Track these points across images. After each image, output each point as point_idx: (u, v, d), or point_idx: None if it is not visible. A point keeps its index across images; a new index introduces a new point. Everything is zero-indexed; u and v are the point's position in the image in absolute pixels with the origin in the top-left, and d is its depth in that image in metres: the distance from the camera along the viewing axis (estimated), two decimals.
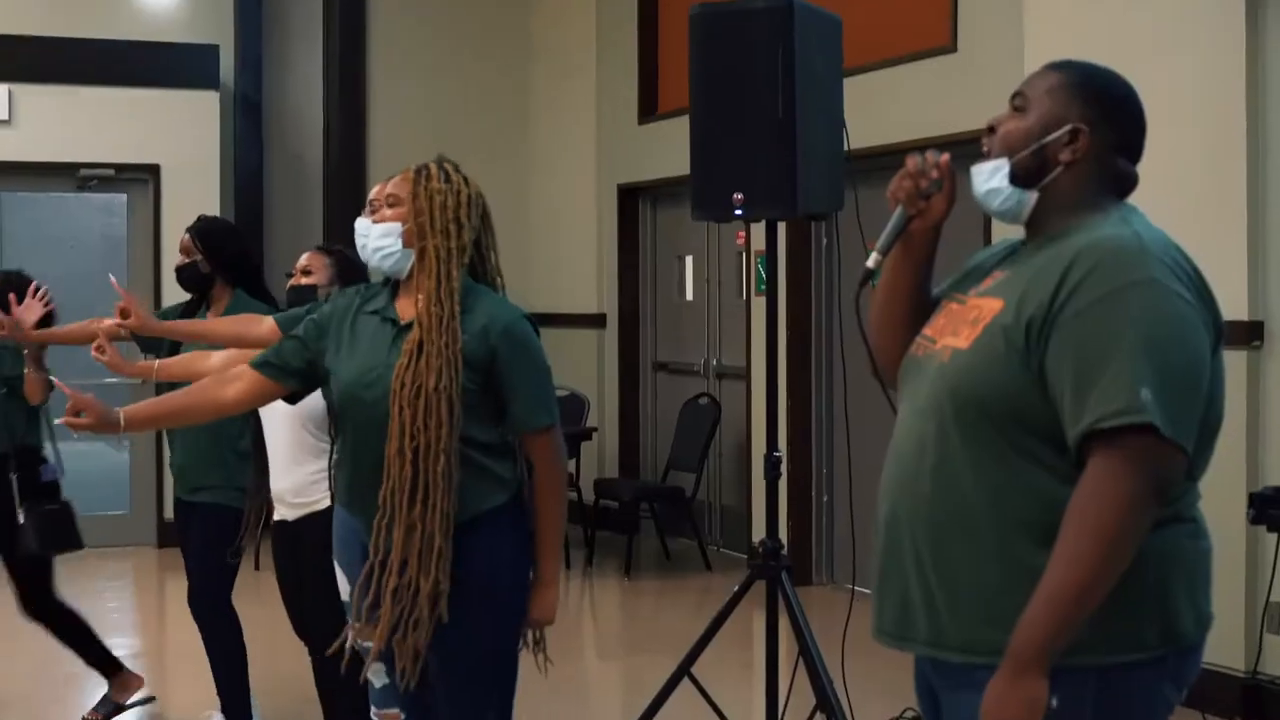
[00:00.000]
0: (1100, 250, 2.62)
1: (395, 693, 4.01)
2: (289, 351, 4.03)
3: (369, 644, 3.96)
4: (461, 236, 3.84)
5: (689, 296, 11.09)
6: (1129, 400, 2.50)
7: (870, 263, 2.94)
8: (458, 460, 3.76)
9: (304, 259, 5.28)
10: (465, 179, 3.93)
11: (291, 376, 4.02)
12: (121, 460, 11.08)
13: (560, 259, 12.07)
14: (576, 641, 8.83)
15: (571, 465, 10.71)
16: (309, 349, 4.00)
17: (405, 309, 3.91)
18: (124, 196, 11.16)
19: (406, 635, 3.80)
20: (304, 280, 5.20)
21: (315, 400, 4.55)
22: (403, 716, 4.06)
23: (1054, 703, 2.56)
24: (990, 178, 2.80)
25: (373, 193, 4.60)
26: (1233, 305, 6.35)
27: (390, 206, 3.94)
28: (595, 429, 11.02)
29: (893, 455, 2.84)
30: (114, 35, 11.03)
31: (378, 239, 3.94)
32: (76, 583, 9.84)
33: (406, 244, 3.88)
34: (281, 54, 11.96)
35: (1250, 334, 6.32)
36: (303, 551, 5.06)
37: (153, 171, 10.95)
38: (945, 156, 2.93)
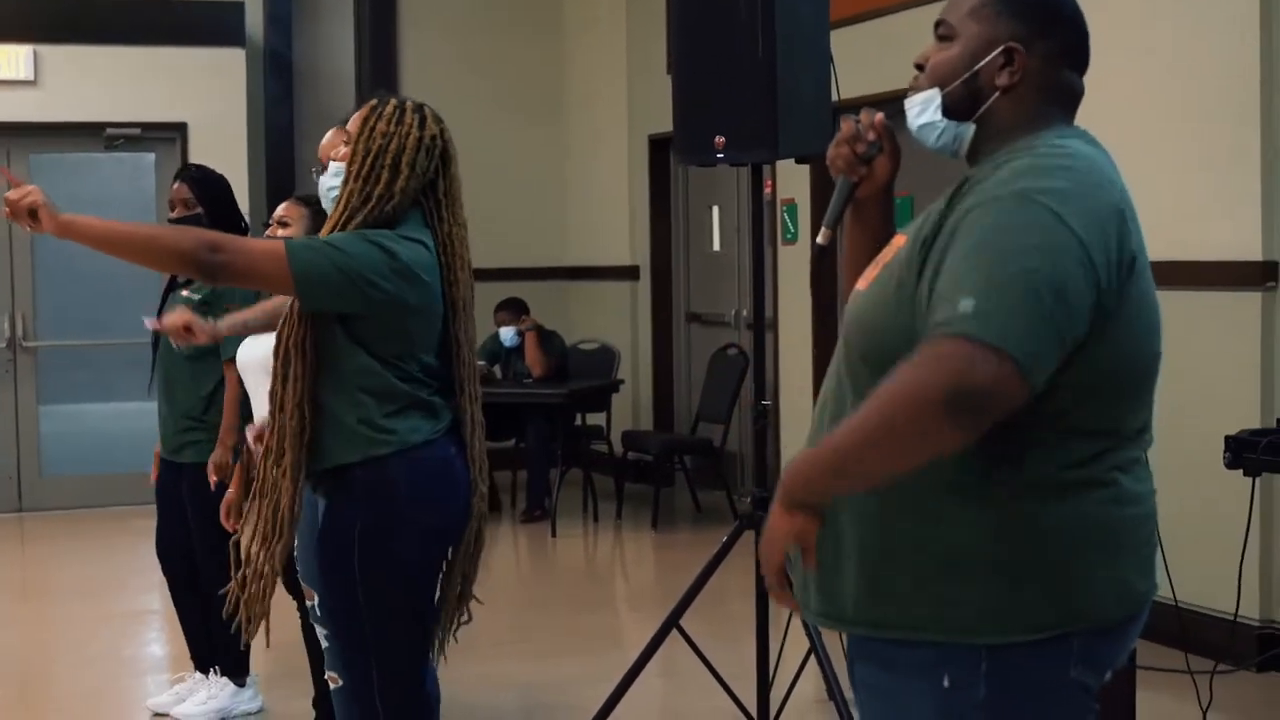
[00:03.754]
0: (990, 173, 2.41)
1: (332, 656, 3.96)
2: None
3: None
4: (395, 183, 3.68)
5: (717, 247, 10.99)
6: (949, 313, 2.26)
7: (821, 239, 2.72)
8: (311, 414, 3.70)
9: (281, 208, 5.15)
10: (421, 120, 3.74)
11: None
12: (154, 418, 11.09)
13: (593, 212, 12.01)
14: (606, 594, 8.79)
15: (601, 418, 10.67)
16: None
17: None
18: (152, 155, 11.15)
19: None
20: (280, 232, 5.08)
21: None
22: (340, 680, 3.98)
23: (945, 682, 2.39)
24: (922, 111, 2.56)
25: (321, 147, 4.55)
26: (1246, 246, 6.23)
27: (346, 144, 3.82)
28: (623, 381, 10.93)
29: (815, 412, 2.64)
30: None
31: (330, 179, 3.87)
32: (109, 540, 9.94)
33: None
34: (312, 10, 11.91)
35: (1264, 275, 6.18)
36: None
37: (180, 130, 10.94)
38: (879, 116, 2.70)
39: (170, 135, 10.99)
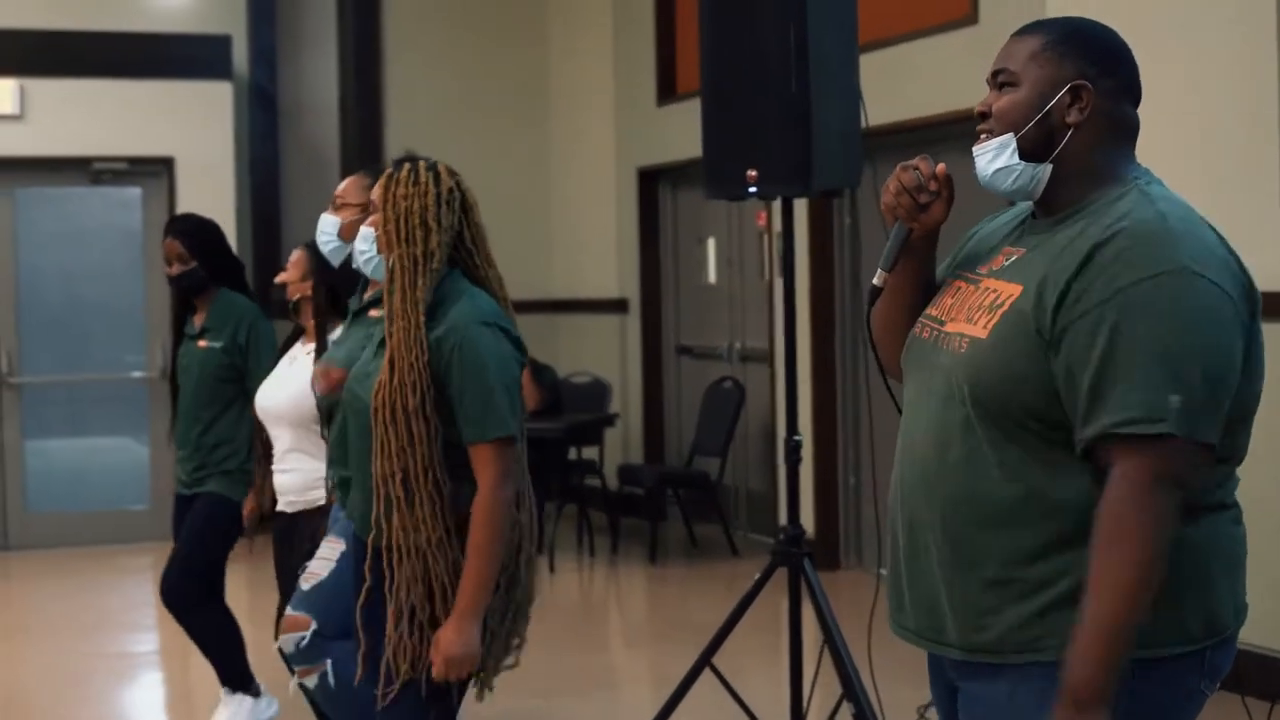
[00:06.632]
0: (1125, 234, 2.49)
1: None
2: None
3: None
4: (429, 240, 3.72)
5: (711, 279, 10.96)
6: (1154, 407, 2.40)
7: (877, 280, 2.82)
8: (445, 473, 3.68)
9: (293, 254, 5.31)
10: (436, 176, 3.78)
11: None
12: (142, 455, 11.01)
13: (580, 244, 11.96)
14: (603, 630, 8.73)
15: (594, 451, 10.62)
16: None
17: None
18: (138, 190, 11.05)
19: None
20: (280, 277, 5.27)
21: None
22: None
23: None
24: (996, 157, 2.64)
25: (340, 188, 4.63)
26: (1270, 275, 6.19)
27: (374, 215, 3.89)
28: (618, 415, 10.90)
29: (907, 449, 2.71)
30: (124, 27, 10.93)
31: (360, 243, 3.98)
32: (97, 579, 9.82)
33: (380, 250, 3.82)
34: (295, 43, 11.86)
35: None
36: (296, 542, 5.07)
37: (167, 164, 10.84)
38: (941, 166, 2.78)
39: (157, 170, 10.90)
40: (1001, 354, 2.54)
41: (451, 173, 3.83)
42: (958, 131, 7.65)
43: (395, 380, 3.65)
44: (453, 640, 3.62)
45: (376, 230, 3.82)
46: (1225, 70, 6.37)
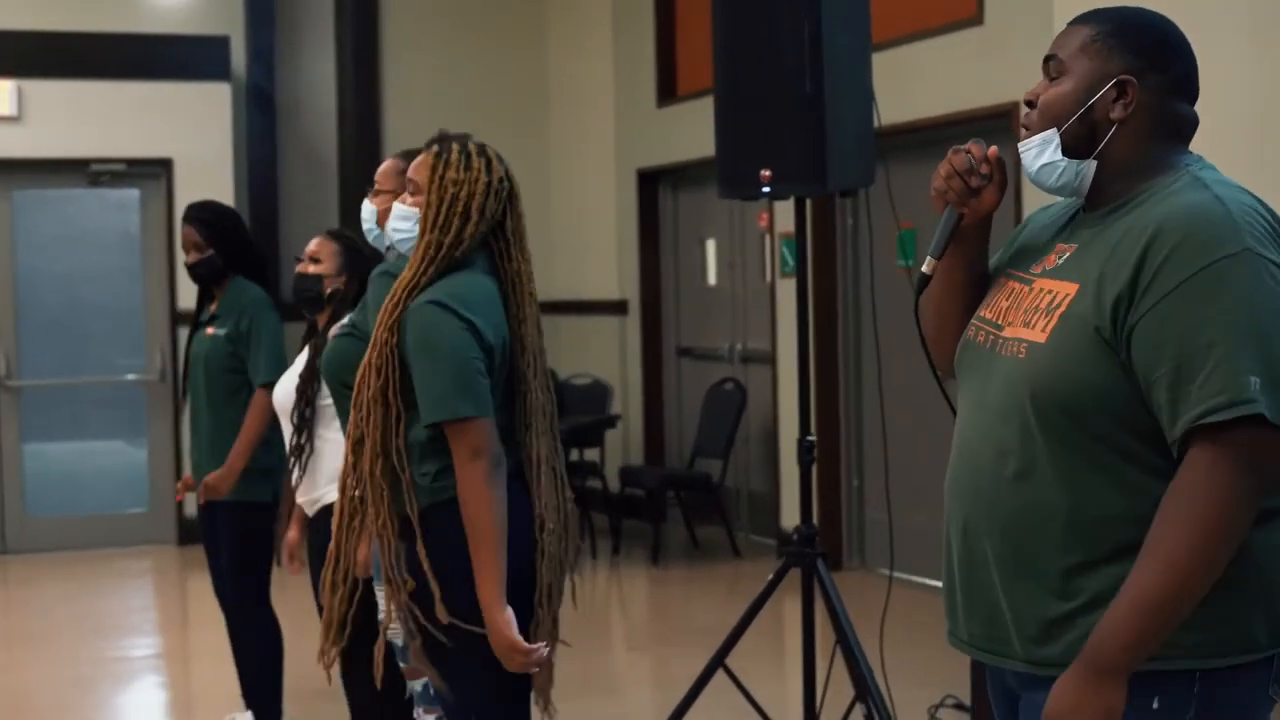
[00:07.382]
0: (1182, 221, 2.41)
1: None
2: None
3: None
4: (465, 230, 3.61)
5: (712, 281, 10.94)
6: (1236, 391, 2.32)
7: (925, 268, 2.74)
8: (403, 460, 3.58)
9: (313, 244, 5.12)
10: (488, 163, 3.65)
11: None
12: (140, 458, 10.97)
13: (580, 246, 11.93)
14: (605, 633, 8.70)
15: (596, 453, 10.60)
16: None
17: None
18: (136, 192, 11.01)
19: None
20: (311, 269, 5.05)
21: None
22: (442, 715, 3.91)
23: (1155, 704, 2.42)
24: (1040, 153, 2.58)
25: (378, 173, 4.52)
26: None
27: (413, 194, 3.79)
28: (619, 416, 10.87)
29: (963, 455, 2.64)
30: (122, 28, 10.89)
31: (396, 221, 3.86)
32: (96, 583, 9.77)
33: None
34: (293, 44, 11.81)
35: None
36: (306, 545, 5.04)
37: (165, 166, 10.80)
38: (993, 149, 2.71)
39: (156, 171, 10.86)
40: (1062, 358, 2.47)
41: (501, 159, 3.71)
42: (964, 132, 7.62)
43: (367, 360, 3.61)
44: (489, 634, 3.52)
45: (420, 210, 3.69)
46: (1245, 66, 6.34)
